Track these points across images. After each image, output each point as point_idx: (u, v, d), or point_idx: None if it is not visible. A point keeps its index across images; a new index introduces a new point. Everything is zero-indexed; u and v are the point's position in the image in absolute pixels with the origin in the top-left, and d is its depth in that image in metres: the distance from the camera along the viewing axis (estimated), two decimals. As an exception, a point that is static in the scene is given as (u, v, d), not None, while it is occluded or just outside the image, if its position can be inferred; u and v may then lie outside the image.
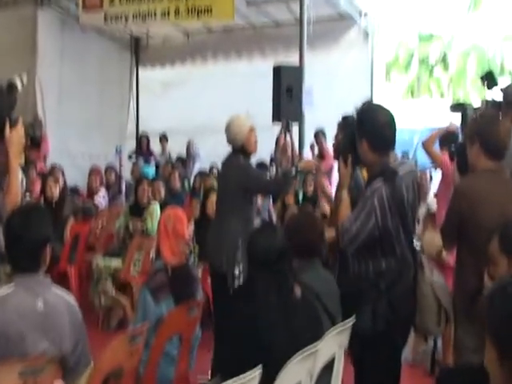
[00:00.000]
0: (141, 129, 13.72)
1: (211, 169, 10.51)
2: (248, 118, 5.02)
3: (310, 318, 3.10)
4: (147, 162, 12.21)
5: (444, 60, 29.49)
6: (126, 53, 13.92)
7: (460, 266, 3.66)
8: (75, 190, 9.59)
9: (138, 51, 14.04)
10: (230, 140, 4.93)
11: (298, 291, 3.10)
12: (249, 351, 2.87)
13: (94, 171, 9.81)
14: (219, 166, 10.61)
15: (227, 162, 5.05)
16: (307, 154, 9.94)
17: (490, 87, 5.06)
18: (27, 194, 8.13)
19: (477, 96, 23.61)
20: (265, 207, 7.93)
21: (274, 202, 8.20)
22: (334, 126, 6.04)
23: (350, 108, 3.58)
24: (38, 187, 8.27)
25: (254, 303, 2.98)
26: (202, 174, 9.66)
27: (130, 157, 12.19)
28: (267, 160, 10.63)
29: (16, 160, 3.34)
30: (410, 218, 3.41)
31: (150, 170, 11.62)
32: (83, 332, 2.92)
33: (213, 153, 10.81)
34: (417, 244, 4.07)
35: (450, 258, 4.71)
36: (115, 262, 6.73)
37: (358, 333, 3.24)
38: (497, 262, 3.00)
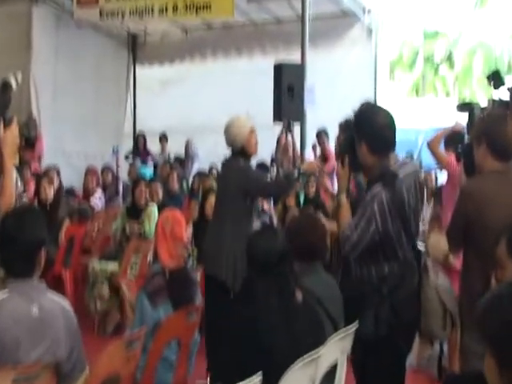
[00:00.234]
0: (138, 128, 13.73)
1: (210, 169, 10.51)
2: (248, 119, 5.00)
3: (312, 323, 3.10)
4: (144, 162, 12.21)
5: (450, 58, 29.49)
6: (123, 50, 13.93)
7: (466, 269, 3.66)
8: (70, 191, 9.58)
9: (136, 48, 14.04)
10: (230, 142, 4.92)
11: (299, 295, 3.10)
12: (249, 355, 2.87)
13: (90, 171, 9.82)
14: (219, 166, 10.62)
15: (226, 165, 5.05)
16: (309, 155, 9.94)
17: (496, 87, 5.06)
18: (24, 195, 8.13)
19: (483, 95, 23.62)
20: (265, 210, 7.92)
21: (274, 204, 8.20)
22: (337, 125, 6.06)
23: (353, 107, 3.57)
24: (32, 188, 8.27)
25: (254, 306, 2.98)
26: (200, 175, 9.65)
27: (126, 157, 12.19)
28: (268, 161, 10.63)
29: (10, 160, 3.34)
30: (413, 221, 3.42)
31: (148, 171, 11.62)
32: (78, 337, 2.92)
33: (212, 153, 10.83)
34: (422, 246, 4.07)
35: (456, 261, 4.71)
36: (112, 266, 6.73)
37: (360, 338, 3.25)
38: (504, 265, 3.00)
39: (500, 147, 3.58)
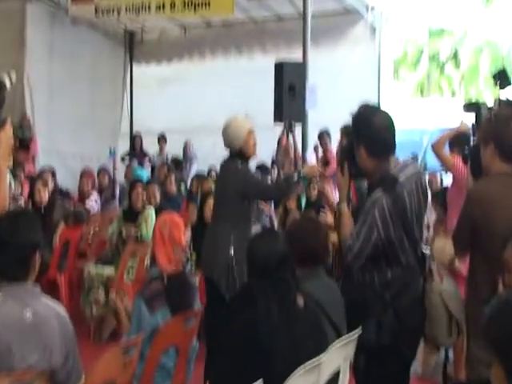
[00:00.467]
0: (135, 128, 13.74)
1: (209, 171, 10.50)
2: (246, 120, 4.99)
3: (314, 329, 3.10)
4: (141, 163, 12.21)
5: (455, 57, 29.52)
6: (120, 48, 13.95)
7: (472, 274, 3.66)
8: (66, 194, 9.59)
9: (133, 46, 14.06)
10: (228, 143, 4.91)
11: (300, 301, 3.10)
12: (249, 361, 2.87)
13: (85, 173, 9.81)
14: (218, 168, 10.67)
15: (224, 167, 5.05)
16: (311, 156, 9.95)
17: (502, 86, 5.05)
18: (19, 197, 8.14)
19: (490, 95, 23.61)
20: (265, 213, 7.93)
21: (275, 206, 8.20)
22: (339, 126, 6.06)
23: (356, 108, 3.57)
24: (26, 190, 8.27)
25: (255, 311, 2.98)
26: (199, 177, 9.64)
27: (122, 159, 12.19)
28: (268, 162, 10.63)
29: (4, 163, 3.34)
30: (416, 225, 3.41)
31: (145, 173, 11.62)
32: (74, 344, 2.92)
33: (211, 154, 10.82)
34: (427, 250, 4.08)
35: (462, 266, 4.71)
36: (108, 270, 6.73)
37: (362, 345, 3.25)
38: (512, 269, 3.00)
39: (508, 148, 3.58)
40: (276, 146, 9.15)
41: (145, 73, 13.98)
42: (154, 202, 7.49)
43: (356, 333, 3.21)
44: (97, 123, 13.05)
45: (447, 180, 6.40)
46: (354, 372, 3.54)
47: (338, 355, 3.11)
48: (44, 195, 7.60)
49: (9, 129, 3.34)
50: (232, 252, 4.72)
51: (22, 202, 7.97)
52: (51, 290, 6.41)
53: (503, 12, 26.62)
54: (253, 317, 2.97)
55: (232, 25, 12.67)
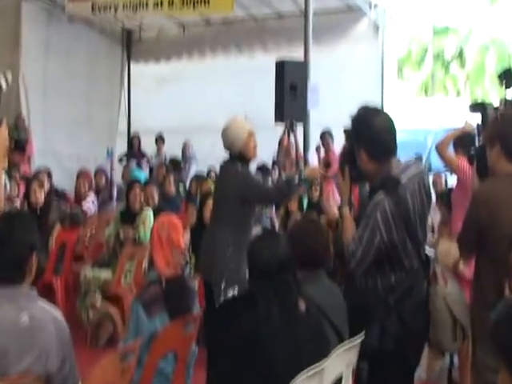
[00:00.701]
0: (133, 129, 13.75)
1: (209, 172, 10.51)
2: (246, 121, 4.98)
3: (315, 333, 3.10)
4: (139, 164, 12.21)
5: (460, 55, 29.56)
6: (117, 46, 13.96)
7: (478, 277, 3.66)
8: (62, 195, 9.60)
9: (130, 45, 14.08)
10: (227, 146, 4.90)
11: (302, 305, 3.10)
12: (250, 366, 2.87)
13: (82, 174, 9.82)
14: (217, 169, 10.66)
15: (224, 169, 5.05)
16: (312, 157, 9.95)
17: (508, 86, 5.05)
18: (16, 198, 8.15)
19: (496, 94, 23.64)
20: (266, 214, 7.93)
21: (276, 208, 8.21)
22: (342, 126, 6.06)
23: (356, 109, 3.56)
24: (21, 191, 8.28)
25: (255, 316, 2.98)
26: (198, 178, 9.65)
27: (120, 160, 12.19)
28: (269, 163, 10.63)
29: (-1, 164, 3.34)
30: (420, 227, 3.41)
31: (142, 174, 11.62)
32: (71, 349, 2.92)
33: (210, 155, 10.82)
34: (431, 252, 4.07)
35: (466, 270, 4.71)
36: (105, 273, 6.73)
37: (365, 350, 3.24)
38: (518, 272, 3.01)
39: (514, 149, 3.58)
40: (277, 146, 9.15)
41: (143, 72, 13.99)
42: (152, 204, 7.49)
43: (359, 338, 3.21)
44: (94, 123, 13.06)
45: (452, 181, 6.39)
46: (357, 378, 3.53)
47: (341, 361, 3.10)
48: (40, 196, 7.61)
49: (4, 130, 3.34)
50: (230, 256, 4.71)
51: (17, 204, 7.98)
52: (47, 293, 6.40)
53: (509, 9, 26.63)
54: (253, 320, 2.97)
55: (232, 23, 12.68)
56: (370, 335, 3.25)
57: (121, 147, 13.21)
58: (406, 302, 3.34)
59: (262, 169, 9.99)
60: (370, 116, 3.43)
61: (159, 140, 12.92)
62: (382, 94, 11.39)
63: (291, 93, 8.04)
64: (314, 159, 10.15)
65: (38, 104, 11.90)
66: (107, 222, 7.93)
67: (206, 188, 8.57)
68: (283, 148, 8.09)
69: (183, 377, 4.03)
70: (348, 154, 3.53)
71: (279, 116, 8.05)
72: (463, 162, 5.87)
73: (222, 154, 5.09)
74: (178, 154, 12.69)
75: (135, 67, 14.11)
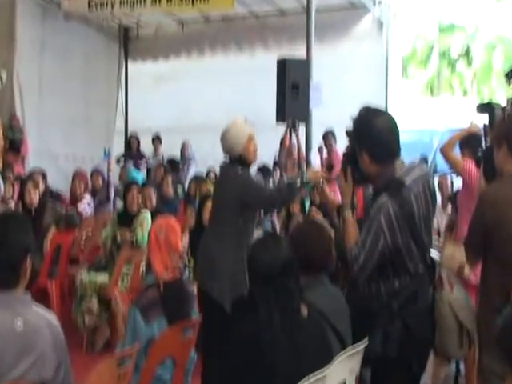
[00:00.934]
0: (130, 128, 13.76)
1: (208, 173, 10.52)
2: (246, 124, 4.96)
3: (318, 340, 3.10)
4: (136, 165, 12.20)
5: (467, 53, 29.56)
6: (114, 44, 13.97)
7: (484, 280, 3.66)
8: (57, 196, 9.60)
9: (128, 42, 14.09)
10: (227, 150, 4.88)
11: (304, 310, 3.10)
12: (250, 375, 2.88)
13: (78, 175, 9.82)
14: (217, 169, 10.64)
15: (223, 172, 5.04)
16: (315, 158, 9.95)
17: (515, 85, 5.06)
18: (10, 200, 8.15)
19: (503, 93, 23.65)
20: (267, 217, 7.93)
21: (277, 211, 8.20)
22: (345, 126, 6.06)
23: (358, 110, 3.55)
24: (15, 193, 8.28)
25: (256, 322, 2.98)
26: (197, 179, 9.67)
27: (118, 161, 12.19)
28: (270, 164, 10.65)
29: (-7, 164, 3.35)
30: (424, 230, 3.41)
31: (140, 175, 11.63)
32: (66, 355, 2.92)
33: (210, 155, 10.84)
34: (437, 256, 4.07)
35: (471, 274, 4.70)
36: (101, 277, 6.73)
37: (368, 356, 3.24)
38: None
39: (522, 150, 3.58)
40: (278, 146, 9.15)
41: (140, 70, 13.99)
42: (150, 206, 7.49)
43: (362, 344, 3.21)
44: (90, 123, 13.07)
45: (458, 183, 6.38)
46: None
47: (343, 367, 3.11)
48: (34, 197, 7.61)
49: (-2, 129, 3.34)
50: (230, 264, 4.69)
51: (12, 205, 7.98)
52: (41, 298, 6.40)
53: (517, 6, 26.65)
54: (254, 326, 2.97)
55: (232, 20, 12.68)
56: (373, 341, 3.25)
57: (118, 147, 13.21)
58: (411, 307, 3.33)
59: (263, 170, 10.00)
60: (372, 117, 3.42)
61: (156, 140, 12.93)
62: (386, 93, 11.40)
63: (293, 92, 8.04)
64: (316, 160, 10.16)
65: (33, 103, 11.91)
66: (104, 224, 7.93)
67: (206, 189, 8.58)
68: (285, 148, 8.09)
69: (181, 383, 4.03)
70: (350, 156, 3.52)
71: (280, 116, 8.04)
72: (469, 164, 5.86)
73: (221, 155, 5.08)
74: (177, 154, 12.70)
75: (133, 65, 14.11)
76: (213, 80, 12.49)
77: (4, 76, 3.45)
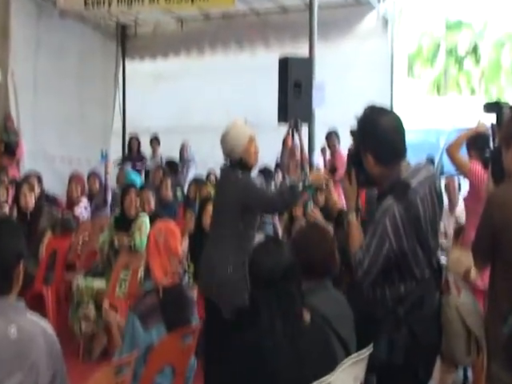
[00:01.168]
0: (128, 129, 13.75)
1: (208, 175, 10.52)
2: (247, 126, 4.96)
3: (321, 346, 3.10)
4: (134, 167, 12.19)
5: (475, 51, 29.57)
6: (112, 42, 13.98)
7: (492, 285, 3.66)
8: (53, 200, 9.60)
9: (125, 41, 14.10)
10: (227, 152, 4.88)
11: (307, 316, 3.11)
12: (252, 378, 2.88)
13: (74, 178, 9.82)
14: (217, 172, 10.62)
15: (223, 176, 5.04)
16: (318, 159, 9.95)
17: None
18: (5, 204, 8.16)
19: (512, 92, 23.66)
20: (268, 221, 7.93)
21: (279, 214, 8.20)
22: (349, 126, 6.07)
23: (362, 110, 3.55)
24: (10, 196, 8.29)
25: (258, 329, 2.99)
26: (197, 182, 9.67)
27: (118, 164, 12.17)
28: (272, 166, 10.64)
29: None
30: (431, 233, 3.41)
31: (139, 177, 11.62)
32: (61, 363, 2.92)
33: (210, 157, 10.83)
34: (444, 260, 4.08)
35: (479, 279, 4.70)
36: (98, 283, 6.74)
37: (373, 363, 3.25)
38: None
39: (531, 150, 3.58)
40: (280, 147, 9.14)
41: (138, 69, 14.00)
42: (149, 209, 7.50)
43: (367, 350, 3.21)
44: (87, 123, 13.07)
45: (466, 184, 6.37)
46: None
47: (348, 375, 3.11)
48: (30, 201, 7.62)
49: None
50: (231, 270, 4.70)
51: (6, 209, 7.99)
52: (37, 304, 6.41)
53: (526, 2, 26.65)
54: (256, 339, 2.97)
55: (233, 17, 12.69)
56: (378, 348, 3.26)
57: (115, 148, 13.21)
58: (417, 312, 3.33)
59: (265, 172, 9.99)
60: (377, 116, 3.41)
61: (154, 141, 12.90)
62: (392, 92, 11.40)
63: (295, 91, 8.03)
64: (319, 161, 10.16)
65: (28, 103, 11.91)
66: (101, 228, 7.93)
67: (206, 192, 8.59)
68: (287, 149, 8.08)
69: (181, 392, 4.04)
70: (354, 157, 3.52)
71: (282, 116, 8.04)
72: (476, 166, 5.85)
73: (222, 156, 5.08)
74: (176, 155, 12.70)
75: (130, 64, 14.12)
76: (213, 79, 12.50)
77: None
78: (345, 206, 3.70)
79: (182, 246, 5.33)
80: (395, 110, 3.74)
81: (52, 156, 12.12)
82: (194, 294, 5.48)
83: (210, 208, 6.35)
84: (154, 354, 3.78)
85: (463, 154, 6.08)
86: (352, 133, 3.67)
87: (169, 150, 12.77)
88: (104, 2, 10.66)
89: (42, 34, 12.15)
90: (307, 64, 8.51)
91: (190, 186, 9.76)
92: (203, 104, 12.55)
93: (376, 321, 3.35)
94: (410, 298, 3.34)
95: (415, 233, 3.30)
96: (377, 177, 3.43)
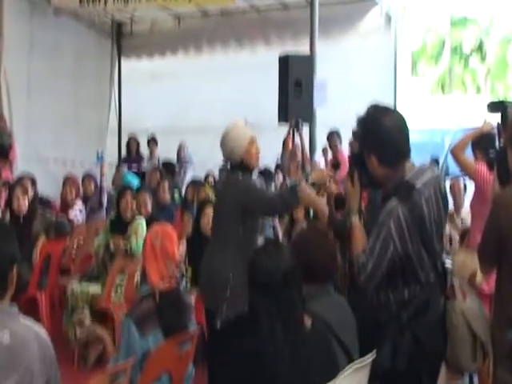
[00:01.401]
0: (124, 129, 13.74)
1: (206, 177, 10.51)
2: (247, 127, 4.95)
3: (322, 352, 3.10)
4: (130, 168, 12.18)
5: (480, 48, 29.58)
6: (107, 41, 13.97)
7: (499, 289, 3.66)
8: (47, 203, 9.60)
9: (121, 39, 14.09)
10: (227, 155, 4.88)
11: (307, 322, 3.11)
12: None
13: (69, 180, 9.82)
14: (216, 173, 10.62)
15: (223, 179, 5.04)
16: (319, 160, 9.95)
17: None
18: (-1, 208, 8.15)
19: (520, 90, 23.67)
20: (269, 223, 7.93)
21: (280, 216, 8.19)
22: (351, 126, 6.07)
23: (365, 109, 3.54)
24: (3, 199, 8.28)
25: (258, 336, 2.99)
26: (195, 184, 9.66)
27: (118, 167, 12.15)
28: (272, 167, 10.64)
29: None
30: (436, 236, 3.41)
31: (136, 179, 11.60)
32: (56, 370, 2.92)
33: (208, 158, 10.86)
34: (449, 264, 4.08)
35: (484, 283, 4.70)
36: (93, 288, 6.74)
37: (376, 370, 3.24)
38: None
39: (536, 151, 3.59)
40: (281, 148, 9.14)
41: (134, 68, 13.99)
42: (145, 212, 7.50)
43: (369, 357, 3.21)
44: (81, 124, 13.06)
45: (471, 186, 6.37)
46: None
47: (350, 382, 3.11)
48: (23, 204, 7.62)
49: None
50: (230, 276, 4.69)
51: (-1, 214, 7.99)
52: (30, 310, 6.42)
53: (533, -2, 26.67)
54: (256, 338, 2.97)
55: (232, 14, 12.68)
56: (381, 354, 3.25)
57: (111, 150, 13.21)
58: (421, 318, 3.33)
59: (265, 173, 9.98)
60: (380, 115, 3.41)
61: (152, 142, 12.90)
62: (395, 90, 11.39)
63: (296, 90, 8.03)
64: (320, 162, 10.16)
65: (21, 103, 11.89)
66: (96, 231, 7.94)
67: (204, 195, 8.58)
68: (288, 150, 8.08)
69: (179, 400, 4.04)
70: (357, 158, 3.52)
71: (283, 115, 8.04)
72: (481, 167, 5.85)
73: (220, 157, 5.08)
74: (173, 156, 12.69)
75: (126, 63, 14.11)
76: (211, 78, 12.50)
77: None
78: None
79: (180, 249, 5.34)
80: (399, 110, 3.74)
81: (46, 157, 12.11)
82: (191, 298, 5.49)
83: (208, 211, 6.36)
84: (151, 361, 3.78)
85: (468, 154, 6.08)
86: (354, 133, 3.68)
87: (166, 151, 12.77)
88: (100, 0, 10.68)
89: (36, 32, 12.13)
90: (308, 62, 8.50)
91: (187, 188, 9.74)
92: (201, 104, 12.55)
93: (379, 326, 3.35)
94: (414, 303, 3.33)
95: (420, 235, 3.30)
96: (380, 178, 3.43)
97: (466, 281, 4.60)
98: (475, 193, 6.08)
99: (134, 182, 10.91)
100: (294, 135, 7.78)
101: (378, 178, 3.44)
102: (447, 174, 12.31)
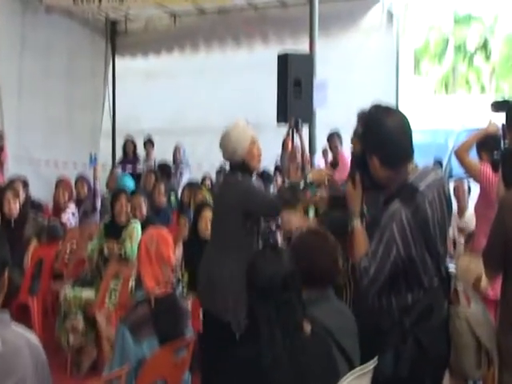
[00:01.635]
0: (118, 131, 13.73)
1: (203, 180, 10.51)
2: (248, 127, 4.96)
3: (322, 358, 3.10)
4: (123, 170, 12.18)
5: (485, 46, 29.60)
6: (101, 39, 13.97)
7: (504, 295, 3.67)
8: (39, 206, 9.60)
9: (115, 37, 14.08)
10: (228, 155, 4.88)
11: (307, 328, 3.11)
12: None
13: (61, 183, 9.81)
14: (213, 175, 10.62)
15: (222, 180, 5.04)
16: (319, 161, 9.95)
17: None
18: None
19: (525, 90, 23.69)
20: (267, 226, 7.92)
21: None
22: (352, 127, 6.08)
23: (366, 108, 3.54)
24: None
25: (257, 342, 2.99)
26: (192, 186, 9.65)
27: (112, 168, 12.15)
28: (271, 168, 10.64)
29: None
30: (439, 239, 3.41)
31: (132, 182, 11.59)
32: (48, 377, 2.93)
33: (205, 159, 10.86)
34: (453, 268, 4.08)
35: (489, 288, 4.70)
36: (87, 293, 6.74)
37: (378, 377, 3.24)
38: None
39: (542, 152, 3.60)
40: (280, 149, 9.14)
41: (129, 67, 13.99)
42: (140, 215, 7.50)
43: (371, 364, 3.21)
44: (74, 125, 13.06)
45: (476, 188, 6.38)
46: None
47: (351, 390, 3.11)
48: (14, 207, 7.62)
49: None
50: (231, 281, 4.69)
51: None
52: (22, 316, 6.42)
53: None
54: (256, 352, 2.97)
55: (229, 12, 12.68)
56: (383, 361, 3.25)
57: (105, 151, 13.21)
58: (424, 324, 3.33)
59: (264, 175, 9.98)
60: (382, 116, 3.41)
61: (148, 144, 12.89)
62: (397, 90, 11.39)
63: (295, 90, 8.04)
64: (320, 163, 10.16)
65: (12, 104, 11.88)
66: (90, 235, 7.93)
67: (201, 197, 8.58)
68: (287, 151, 8.08)
69: (175, 408, 4.04)
70: (359, 160, 3.52)
71: (282, 116, 8.04)
72: (486, 169, 5.85)
73: (218, 159, 5.09)
74: (169, 158, 12.69)
75: (121, 62, 14.10)
76: (208, 77, 12.51)
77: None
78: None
79: (176, 253, 5.33)
80: (401, 110, 3.74)
81: (37, 159, 12.10)
82: (188, 304, 5.49)
83: (205, 214, 6.35)
84: (146, 369, 3.78)
85: (473, 156, 6.08)
86: (355, 134, 3.69)
87: (162, 153, 12.76)
88: (94, -3, 10.70)
89: (27, 31, 12.12)
90: (308, 61, 8.51)
91: (183, 190, 9.72)
92: (198, 104, 12.55)
93: (381, 332, 3.35)
94: (417, 308, 3.33)
95: (423, 238, 3.30)
96: (383, 180, 3.43)
97: (471, 286, 4.61)
98: (480, 195, 6.08)
99: (130, 184, 10.90)
100: (293, 136, 7.78)
101: (380, 179, 3.43)
102: (451, 175, 12.30)
